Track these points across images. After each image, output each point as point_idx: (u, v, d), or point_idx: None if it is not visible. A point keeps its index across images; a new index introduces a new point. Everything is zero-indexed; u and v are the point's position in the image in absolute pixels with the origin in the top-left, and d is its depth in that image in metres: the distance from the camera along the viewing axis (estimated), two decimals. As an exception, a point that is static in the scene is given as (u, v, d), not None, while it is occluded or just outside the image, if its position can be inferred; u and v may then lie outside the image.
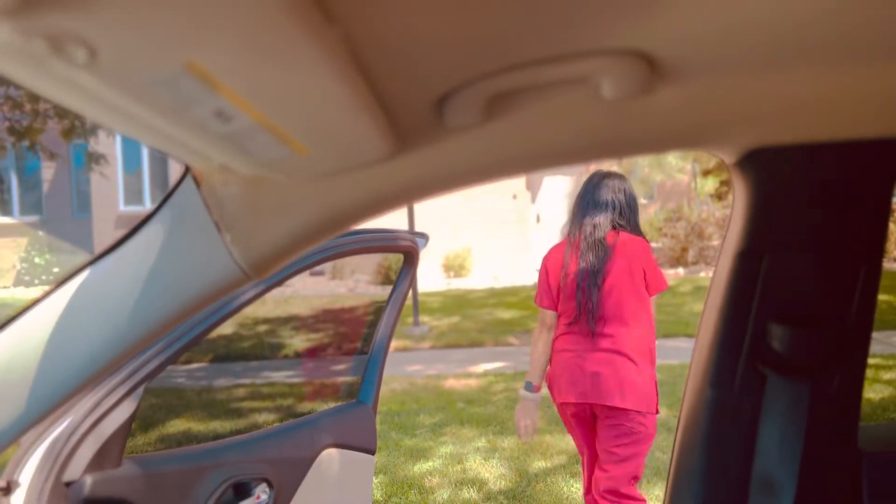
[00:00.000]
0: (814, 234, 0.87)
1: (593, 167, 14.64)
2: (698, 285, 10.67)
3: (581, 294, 2.51)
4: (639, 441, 2.49)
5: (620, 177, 2.68)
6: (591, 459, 2.69)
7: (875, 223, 0.86)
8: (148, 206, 15.18)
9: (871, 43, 0.56)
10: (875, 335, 0.90)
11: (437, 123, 0.60)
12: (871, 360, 0.89)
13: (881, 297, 0.89)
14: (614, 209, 2.57)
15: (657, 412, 2.51)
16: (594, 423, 2.58)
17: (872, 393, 4.96)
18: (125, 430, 1.20)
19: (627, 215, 2.59)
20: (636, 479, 2.55)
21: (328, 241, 1.52)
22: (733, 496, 0.91)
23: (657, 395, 2.51)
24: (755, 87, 0.65)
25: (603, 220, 2.55)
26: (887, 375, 5.41)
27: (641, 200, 17.39)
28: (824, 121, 0.75)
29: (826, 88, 0.66)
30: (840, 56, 0.59)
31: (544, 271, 2.70)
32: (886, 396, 4.96)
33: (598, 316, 2.48)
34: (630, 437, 2.47)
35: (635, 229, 2.60)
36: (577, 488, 3.68)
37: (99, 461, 1.16)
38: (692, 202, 14.78)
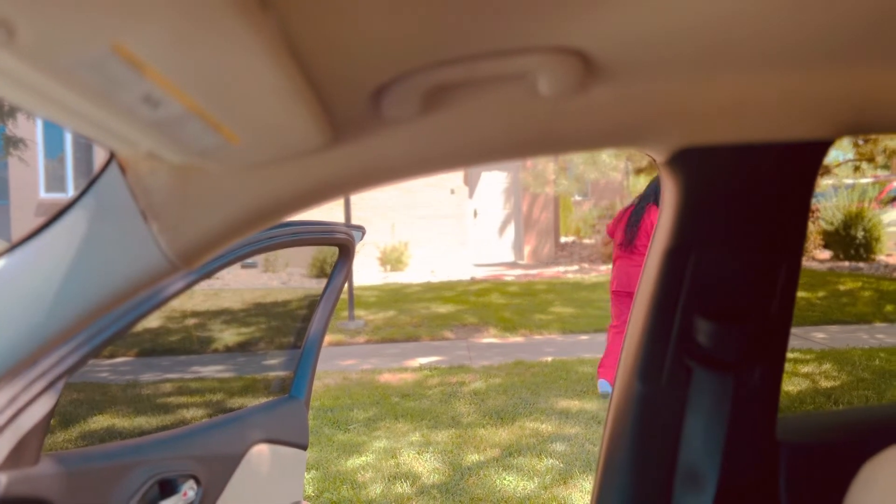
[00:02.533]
0: (738, 232, 0.90)
1: (530, 164, 14.82)
2: (629, 281, 10.94)
3: (628, 235, 4.86)
4: None
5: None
6: (621, 331, 5.02)
7: (796, 222, 0.89)
8: (71, 193, 14.55)
9: (796, 49, 0.58)
10: (794, 330, 0.94)
11: (373, 115, 0.60)
12: (789, 355, 0.93)
13: (799, 293, 0.93)
14: (653, 196, 4.87)
15: None
16: (630, 301, 4.73)
17: (791, 386, 5.20)
18: (43, 426, 1.15)
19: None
20: None
21: (261, 232, 1.50)
22: (659, 485, 0.94)
23: None
24: (685, 88, 0.67)
25: (641, 202, 4.93)
26: (805, 369, 5.67)
27: (576, 197, 17.64)
28: (750, 123, 0.78)
29: (752, 92, 0.69)
30: (765, 61, 0.61)
31: (617, 219, 5.09)
32: (804, 389, 5.21)
33: (632, 246, 4.82)
34: None
35: None
36: (509, 481, 3.73)
37: (15, 459, 1.11)
38: (625, 200, 15.14)
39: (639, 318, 0.95)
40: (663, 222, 0.93)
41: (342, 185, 0.67)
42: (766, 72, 0.64)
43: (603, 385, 5.20)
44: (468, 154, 0.70)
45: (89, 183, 0.66)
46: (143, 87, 0.42)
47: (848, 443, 1.00)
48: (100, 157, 14.18)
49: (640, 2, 0.48)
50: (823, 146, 0.85)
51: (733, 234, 0.90)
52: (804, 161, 0.86)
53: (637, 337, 0.95)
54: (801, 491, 0.95)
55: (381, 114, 0.59)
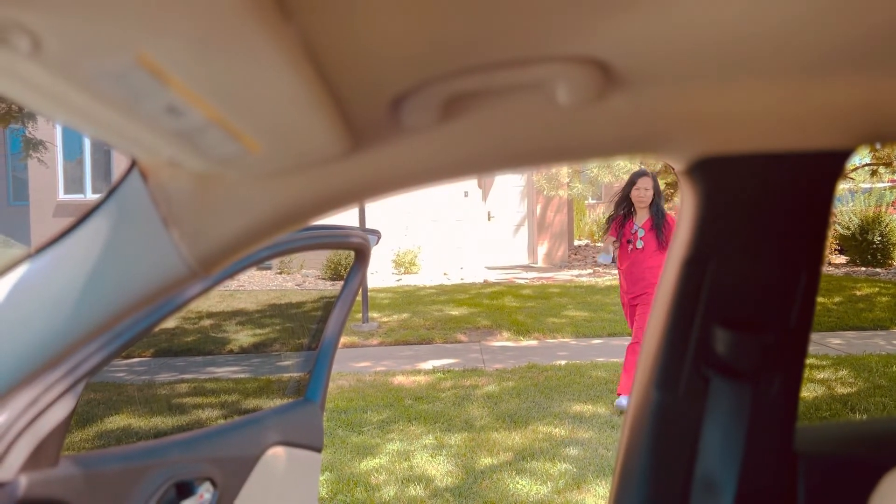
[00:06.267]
0: (758, 241, 0.89)
1: (544, 170, 14.76)
2: (643, 285, 10.88)
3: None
4: None
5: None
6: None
7: (815, 232, 0.89)
8: (89, 194, 14.71)
9: (816, 58, 0.58)
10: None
11: (392, 123, 0.60)
12: (806, 361, 0.92)
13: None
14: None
15: None
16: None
17: (807, 392, 5.15)
18: (63, 428, 1.16)
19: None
20: None
21: (278, 236, 1.50)
22: (676, 496, 0.93)
23: None
24: (705, 97, 0.66)
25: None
26: (820, 375, 5.62)
27: (590, 201, 17.48)
28: (771, 132, 0.77)
29: (772, 101, 0.68)
30: (785, 71, 0.61)
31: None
32: (820, 395, 5.16)
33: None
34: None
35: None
36: (522, 484, 3.72)
37: (35, 460, 1.12)
38: (639, 204, 15.03)
39: (656, 327, 0.95)
40: (681, 231, 0.93)
41: (361, 193, 0.68)
42: (786, 81, 0.63)
43: None
44: (486, 162, 0.70)
45: (111, 189, 0.67)
46: (167, 98, 0.43)
47: (867, 454, 0.99)
48: (118, 159, 14.31)
49: (660, 11, 0.48)
50: (843, 156, 0.84)
51: (752, 243, 0.89)
52: (824, 171, 0.85)
53: (655, 346, 0.94)
54: (820, 503, 0.94)
55: (400, 122, 0.59)
